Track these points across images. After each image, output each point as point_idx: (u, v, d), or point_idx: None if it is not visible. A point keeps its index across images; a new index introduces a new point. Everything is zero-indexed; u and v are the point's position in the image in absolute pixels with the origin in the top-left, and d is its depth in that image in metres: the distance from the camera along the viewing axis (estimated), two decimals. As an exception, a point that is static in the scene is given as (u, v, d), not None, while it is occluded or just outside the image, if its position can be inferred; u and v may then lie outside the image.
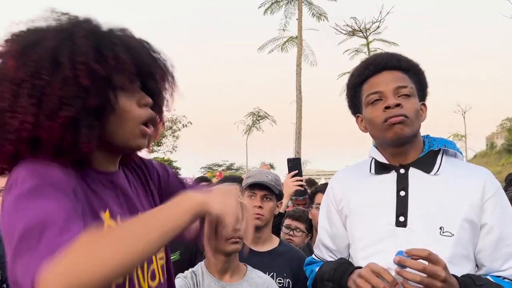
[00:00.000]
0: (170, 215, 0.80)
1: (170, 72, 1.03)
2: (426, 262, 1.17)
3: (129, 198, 1.03)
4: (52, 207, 0.76)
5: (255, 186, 2.09)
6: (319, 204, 2.71)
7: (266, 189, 2.08)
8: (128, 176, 1.09)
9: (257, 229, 2.06)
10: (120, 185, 1.02)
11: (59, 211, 0.76)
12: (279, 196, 2.16)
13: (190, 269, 1.77)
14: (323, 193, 2.73)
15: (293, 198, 3.01)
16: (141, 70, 0.95)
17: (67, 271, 0.67)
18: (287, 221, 2.92)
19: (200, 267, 1.78)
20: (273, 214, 2.14)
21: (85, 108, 0.86)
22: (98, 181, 0.96)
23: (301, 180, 2.45)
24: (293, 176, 2.45)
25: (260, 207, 2.05)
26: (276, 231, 2.52)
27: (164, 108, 1.06)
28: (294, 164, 2.49)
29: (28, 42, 0.87)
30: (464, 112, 47.16)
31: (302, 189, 2.51)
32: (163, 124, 1.10)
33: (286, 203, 2.49)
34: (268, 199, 2.09)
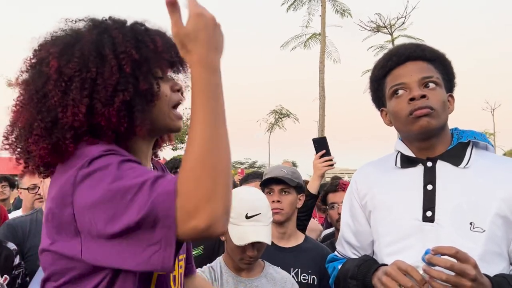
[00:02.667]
0: (221, 91, 0.85)
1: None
2: (455, 261, 1.11)
3: None
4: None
5: (272, 182, 2.07)
6: (333, 203, 2.67)
7: (283, 183, 2.05)
8: None
9: (280, 224, 2.04)
10: None
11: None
12: (298, 189, 2.12)
13: (208, 264, 1.77)
14: (334, 192, 2.70)
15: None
16: (172, 56, 1.00)
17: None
18: None
19: (218, 262, 1.77)
20: (294, 207, 2.10)
21: (136, 93, 0.92)
22: None
23: (331, 160, 2.32)
24: (321, 156, 2.32)
25: (278, 201, 2.02)
26: (308, 216, 2.49)
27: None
28: (320, 144, 2.34)
29: (65, 43, 0.93)
30: (493, 109, 45.86)
31: (333, 168, 2.41)
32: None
33: (318, 185, 2.41)
34: (287, 193, 2.06)
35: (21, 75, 0.97)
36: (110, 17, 1.00)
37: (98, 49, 0.92)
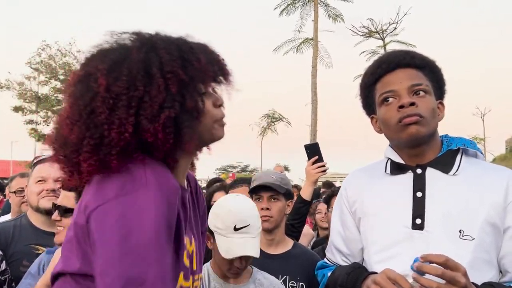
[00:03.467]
0: None
1: (231, 72, 1.09)
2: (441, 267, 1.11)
3: (191, 218, 1.10)
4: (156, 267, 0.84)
5: (260, 189, 2.05)
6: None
7: (272, 190, 2.03)
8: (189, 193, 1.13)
9: (268, 231, 2.02)
10: (188, 203, 1.07)
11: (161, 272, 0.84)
12: (288, 195, 2.10)
13: None
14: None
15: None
16: (215, 71, 1.02)
17: None
18: None
19: (205, 268, 1.76)
20: (283, 214, 2.08)
21: (183, 110, 0.94)
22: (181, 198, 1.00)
23: (324, 166, 2.30)
24: (314, 162, 2.30)
25: (267, 208, 2.01)
26: (301, 223, 2.48)
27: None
28: (313, 150, 2.32)
29: (113, 60, 0.94)
30: (483, 115, 46.30)
31: (326, 173, 2.41)
32: None
33: (311, 192, 2.39)
34: (276, 200, 2.04)
35: (69, 88, 0.98)
36: (156, 33, 1.01)
37: (146, 68, 0.93)
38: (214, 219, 1.67)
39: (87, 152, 0.91)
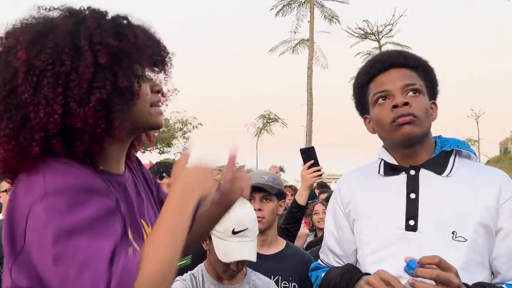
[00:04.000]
0: (186, 215, 0.86)
1: (171, 58, 1.00)
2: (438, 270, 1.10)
3: (134, 201, 1.01)
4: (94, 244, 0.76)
5: (252, 189, 2.02)
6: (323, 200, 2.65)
7: (264, 191, 2.03)
8: (131, 177, 1.06)
9: (260, 232, 2.01)
10: (128, 187, 1.00)
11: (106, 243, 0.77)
12: (279, 196, 2.09)
13: (189, 272, 1.74)
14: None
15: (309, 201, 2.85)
16: (154, 52, 0.93)
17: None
18: None
19: (200, 269, 1.75)
20: (275, 215, 2.08)
21: (115, 91, 0.84)
22: (115, 184, 0.94)
23: (319, 170, 2.27)
24: (310, 167, 2.26)
25: (259, 209, 2.00)
26: (297, 227, 2.46)
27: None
28: (309, 154, 2.28)
29: (37, 31, 0.83)
30: (478, 117, 46.57)
31: (322, 178, 2.40)
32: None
33: (306, 196, 2.37)
34: (268, 200, 2.04)
35: None
36: (88, 7, 0.91)
37: (74, 40, 0.83)
38: None
39: (4, 137, 0.81)
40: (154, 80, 0.99)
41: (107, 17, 0.90)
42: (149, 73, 0.99)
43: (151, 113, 0.95)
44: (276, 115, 37.27)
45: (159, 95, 0.98)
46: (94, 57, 0.82)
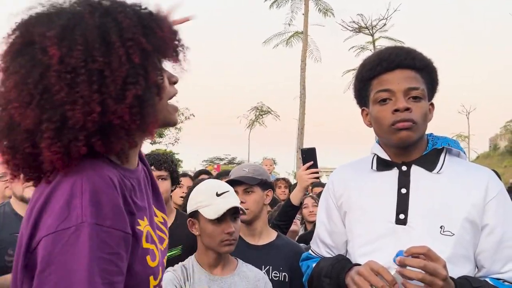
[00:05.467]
0: None
1: (186, 47, 0.97)
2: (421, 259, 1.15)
3: (149, 196, 1.02)
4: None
5: (234, 183, 2.06)
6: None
7: (243, 184, 2.05)
8: (142, 169, 1.06)
9: (247, 223, 2.05)
10: (141, 180, 0.99)
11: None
12: (263, 185, 2.11)
13: (180, 263, 1.77)
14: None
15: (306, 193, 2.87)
16: (177, 44, 0.91)
17: None
18: None
19: (190, 260, 1.78)
20: (262, 204, 2.09)
21: (147, 86, 0.83)
22: (133, 180, 0.93)
23: (317, 172, 2.26)
24: (308, 168, 2.25)
25: (242, 202, 2.01)
26: (288, 225, 2.50)
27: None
28: (309, 155, 2.26)
29: (63, 25, 0.79)
30: (468, 113, 46.94)
31: (318, 181, 2.37)
32: None
33: (301, 197, 2.38)
34: (250, 192, 2.06)
35: (4, 63, 0.82)
36: None
37: (103, 35, 0.79)
38: (196, 197, 1.77)
39: (48, 138, 0.77)
40: (169, 71, 0.96)
41: (131, 9, 0.85)
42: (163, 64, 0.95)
43: (169, 110, 0.94)
44: (269, 108, 37.24)
45: (175, 86, 0.96)
46: (127, 54, 0.80)
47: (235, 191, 2.05)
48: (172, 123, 0.97)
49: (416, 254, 1.15)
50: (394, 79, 1.36)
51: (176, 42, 0.90)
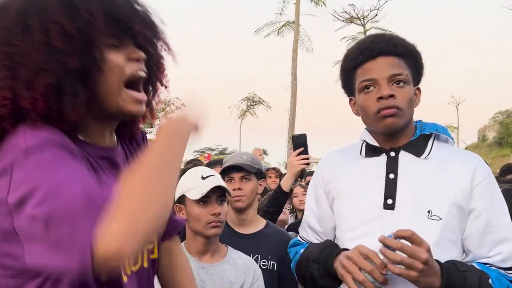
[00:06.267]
0: (178, 152, 0.82)
1: (158, 27, 0.93)
2: (409, 243, 1.16)
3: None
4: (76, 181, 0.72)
5: (231, 169, 2.07)
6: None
7: (243, 171, 2.05)
8: (127, 153, 1.02)
9: (240, 211, 2.05)
10: (117, 163, 0.95)
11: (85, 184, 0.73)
12: (259, 175, 2.12)
13: None
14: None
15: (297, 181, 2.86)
16: (122, 24, 0.85)
17: (122, 228, 0.67)
18: None
19: None
20: (255, 194, 2.11)
21: (66, 72, 0.79)
22: (95, 157, 0.89)
23: (308, 158, 2.25)
24: (299, 154, 2.25)
25: (239, 189, 2.03)
26: (279, 211, 2.51)
27: (161, 68, 0.98)
28: (300, 141, 2.26)
29: None
30: (458, 104, 47.36)
31: (309, 167, 2.38)
32: (165, 86, 1.02)
33: (291, 183, 2.37)
34: (247, 180, 2.06)
35: None
36: None
37: (25, 18, 0.78)
38: (181, 182, 1.77)
39: None
40: (132, 49, 0.89)
41: None
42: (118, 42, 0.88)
43: (122, 97, 0.87)
44: (260, 98, 37.18)
45: (139, 62, 0.89)
46: (45, 37, 0.78)
47: (231, 177, 2.06)
48: (129, 114, 0.90)
49: (400, 237, 1.16)
50: (377, 67, 1.36)
51: (115, 23, 0.84)
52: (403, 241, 1.17)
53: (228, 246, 1.84)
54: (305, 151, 2.26)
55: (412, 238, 1.16)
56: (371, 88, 1.36)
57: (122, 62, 0.86)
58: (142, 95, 0.91)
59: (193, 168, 1.94)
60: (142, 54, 0.90)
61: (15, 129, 0.78)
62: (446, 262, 1.26)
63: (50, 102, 0.78)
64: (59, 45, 0.78)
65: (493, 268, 1.30)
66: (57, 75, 0.78)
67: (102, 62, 0.83)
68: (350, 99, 1.50)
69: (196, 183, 1.72)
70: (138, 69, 0.89)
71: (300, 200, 3.99)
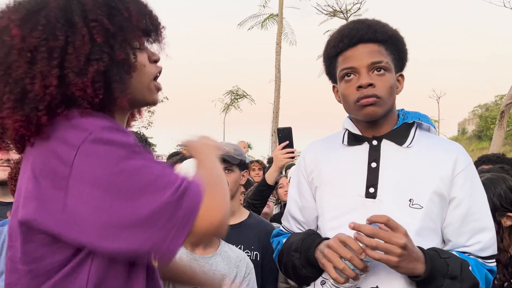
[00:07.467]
0: (216, 162, 1.02)
1: (164, 28, 1.03)
2: (387, 229, 1.17)
3: None
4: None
5: None
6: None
7: (226, 162, 2.03)
8: None
9: None
10: None
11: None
12: (242, 166, 2.11)
13: None
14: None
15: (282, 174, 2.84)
16: (146, 24, 0.97)
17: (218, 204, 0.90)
18: None
19: None
20: (238, 185, 2.09)
21: (113, 63, 0.89)
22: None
23: (293, 152, 2.25)
24: (284, 148, 2.24)
25: None
26: (263, 204, 2.50)
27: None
28: (285, 134, 2.25)
29: (28, 9, 0.88)
30: (439, 98, 48.07)
31: (294, 161, 2.37)
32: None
33: (276, 176, 2.37)
34: (230, 171, 2.05)
35: None
36: None
37: (66, 16, 0.87)
38: None
39: (9, 108, 0.85)
40: (150, 50, 1.02)
41: None
42: (144, 44, 1.01)
43: (150, 88, 1.00)
44: (244, 91, 37.07)
45: (157, 64, 1.03)
46: (90, 34, 0.87)
47: None
48: (152, 102, 1.03)
49: (376, 222, 1.17)
50: (357, 55, 1.35)
51: (147, 23, 0.96)
52: (382, 226, 1.16)
53: (221, 240, 1.82)
54: (290, 145, 2.25)
55: (388, 223, 1.16)
56: (352, 76, 1.35)
57: (147, 62, 0.99)
58: (161, 85, 1.05)
59: (188, 160, 1.90)
60: (159, 57, 1.03)
61: (65, 114, 0.86)
62: (428, 249, 1.26)
63: (97, 88, 0.87)
64: (101, 40, 0.88)
65: (472, 257, 1.31)
66: (106, 65, 0.87)
67: (136, 59, 0.95)
68: (334, 86, 1.48)
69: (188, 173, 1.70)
70: (158, 70, 1.03)
71: (285, 191, 3.98)
